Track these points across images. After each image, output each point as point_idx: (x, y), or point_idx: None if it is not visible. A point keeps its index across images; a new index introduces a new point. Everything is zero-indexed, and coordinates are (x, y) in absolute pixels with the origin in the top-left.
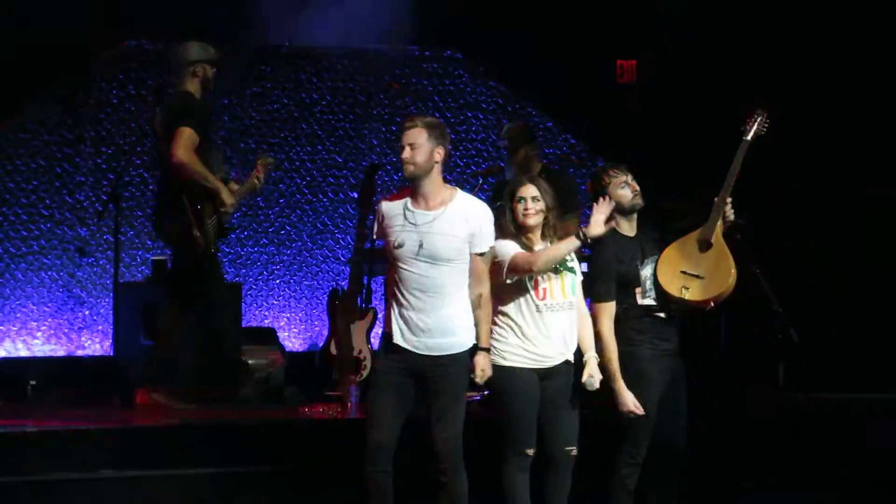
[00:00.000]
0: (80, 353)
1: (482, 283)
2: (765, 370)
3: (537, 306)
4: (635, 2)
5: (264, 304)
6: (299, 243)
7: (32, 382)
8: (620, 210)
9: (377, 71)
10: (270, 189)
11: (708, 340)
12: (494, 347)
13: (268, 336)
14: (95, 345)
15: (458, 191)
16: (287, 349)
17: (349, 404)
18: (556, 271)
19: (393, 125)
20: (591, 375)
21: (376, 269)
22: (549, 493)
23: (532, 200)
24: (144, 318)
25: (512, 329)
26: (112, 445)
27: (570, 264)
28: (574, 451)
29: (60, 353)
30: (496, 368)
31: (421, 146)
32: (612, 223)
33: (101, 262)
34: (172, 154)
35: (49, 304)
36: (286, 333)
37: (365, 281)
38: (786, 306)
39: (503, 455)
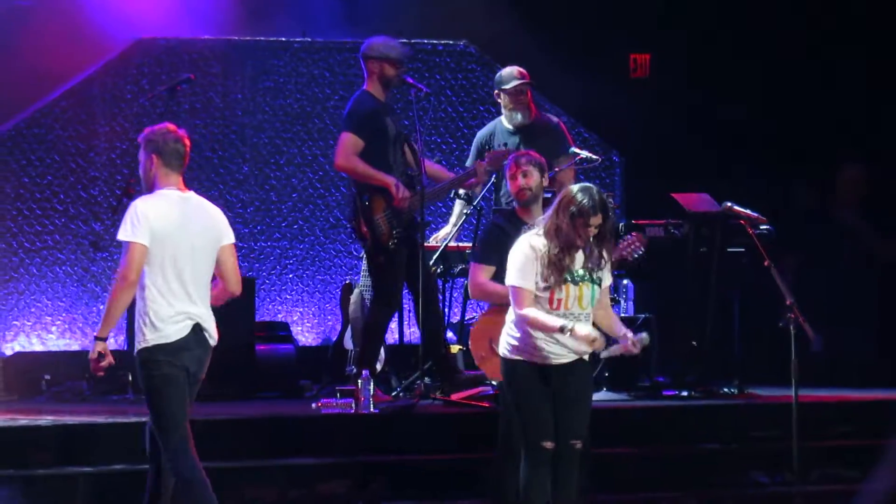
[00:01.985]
0: None
1: None
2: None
3: (548, 313)
4: None
5: (277, 298)
6: (312, 238)
7: (47, 377)
8: None
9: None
10: (283, 184)
11: (723, 332)
12: (506, 342)
13: (281, 329)
14: (110, 339)
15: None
16: (300, 343)
17: (361, 398)
18: (576, 282)
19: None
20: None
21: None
22: (555, 486)
23: (595, 229)
24: None
25: (522, 326)
26: (127, 439)
27: (596, 274)
28: (578, 444)
29: (75, 347)
30: (507, 362)
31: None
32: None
33: (115, 257)
34: (334, 160)
35: (63, 299)
36: (299, 327)
37: None
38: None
39: (523, 449)
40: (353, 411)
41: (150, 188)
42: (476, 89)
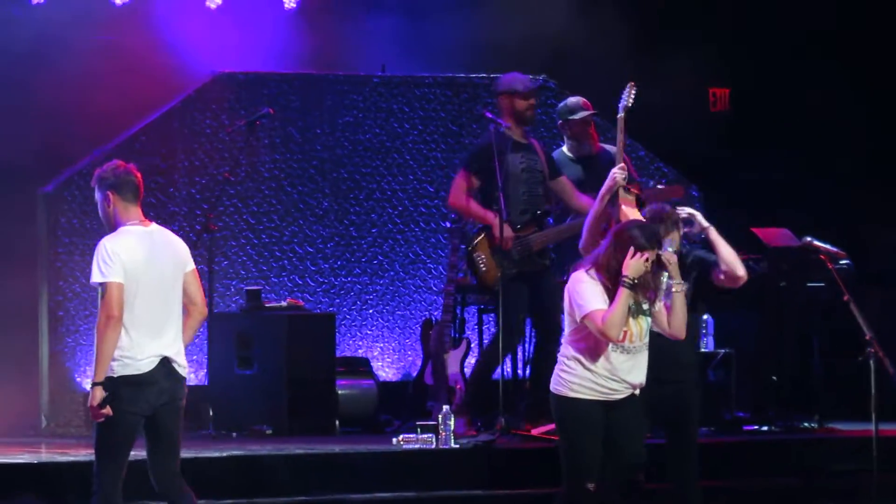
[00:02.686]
0: None
1: None
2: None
3: (613, 347)
4: (729, 30)
5: (358, 333)
6: (392, 273)
7: None
8: None
9: (470, 100)
10: (363, 219)
11: (803, 366)
12: (561, 378)
13: (362, 365)
14: (190, 374)
15: None
16: (380, 379)
17: (442, 433)
18: (634, 316)
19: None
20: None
21: (469, 299)
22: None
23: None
24: (238, 348)
25: (581, 362)
26: (206, 475)
27: (644, 307)
28: (637, 477)
29: None
30: (560, 400)
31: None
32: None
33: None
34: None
35: None
36: (380, 363)
37: (458, 311)
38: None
39: (564, 486)
40: (433, 446)
41: (113, 226)
42: (556, 123)
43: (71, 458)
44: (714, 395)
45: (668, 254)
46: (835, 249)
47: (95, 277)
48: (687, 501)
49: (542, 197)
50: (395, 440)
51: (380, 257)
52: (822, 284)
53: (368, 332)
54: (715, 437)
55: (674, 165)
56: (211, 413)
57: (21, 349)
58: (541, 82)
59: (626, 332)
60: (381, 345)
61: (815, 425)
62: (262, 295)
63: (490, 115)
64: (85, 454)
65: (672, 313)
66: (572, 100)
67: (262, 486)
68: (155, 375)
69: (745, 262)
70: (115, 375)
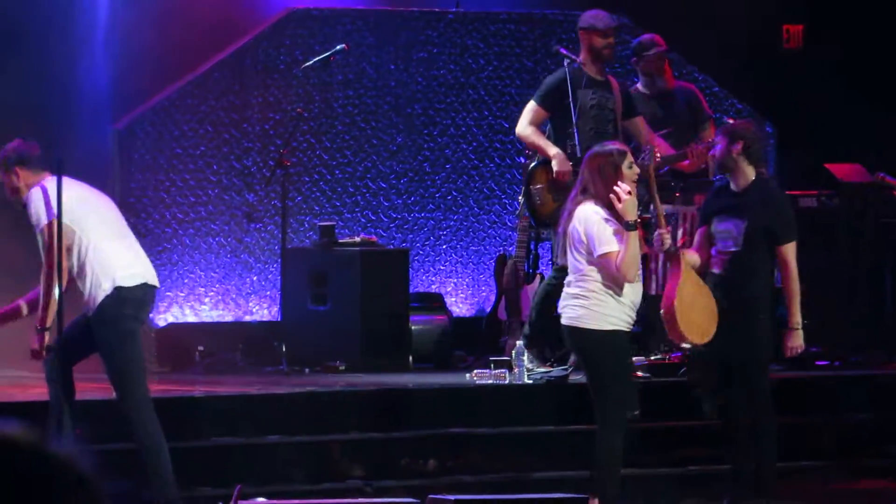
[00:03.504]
0: (247, 318)
1: None
2: None
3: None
4: None
5: (431, 269)
6: (466, 209)
7: (200, 348)
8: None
9: (545, 35)
10: (437, 155)
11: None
12: (593, 312)
13: (435, 300)
14: (263, 310)
15: None
16: (454, 314)
17: (515, 369)
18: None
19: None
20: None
21: (543, 234)
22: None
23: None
24: (312, 284)
25: (612, 295)
26: (279, 411)
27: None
28: (638, 413)
29: (228, 318)
30: (596, 333)
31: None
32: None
33: (268, 228)
34: None
35: (217, 270)
36: (453, 298)
37: (532, 247)
38: None
39: (603, 417)
40: (506, 382)
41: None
42: (630, 60)
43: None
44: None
45: (634, 169)
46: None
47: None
48: (760, 438)
49: (610, 135)
50: (468, 376)
51: (454, 192)
52: (895, 220)
53: (442, 268)
54: (786, 372)
55: (747, 102)
56: (284, 349)
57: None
58: (622, 21)
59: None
60: (455, 280)
61: (886, 361)
62: (336, 230)
63: (564, 52)
64: (158, 390)
65: (625, 254)
66: (646, 36)
67: (334, 421)
68: None
69: (818, 197)
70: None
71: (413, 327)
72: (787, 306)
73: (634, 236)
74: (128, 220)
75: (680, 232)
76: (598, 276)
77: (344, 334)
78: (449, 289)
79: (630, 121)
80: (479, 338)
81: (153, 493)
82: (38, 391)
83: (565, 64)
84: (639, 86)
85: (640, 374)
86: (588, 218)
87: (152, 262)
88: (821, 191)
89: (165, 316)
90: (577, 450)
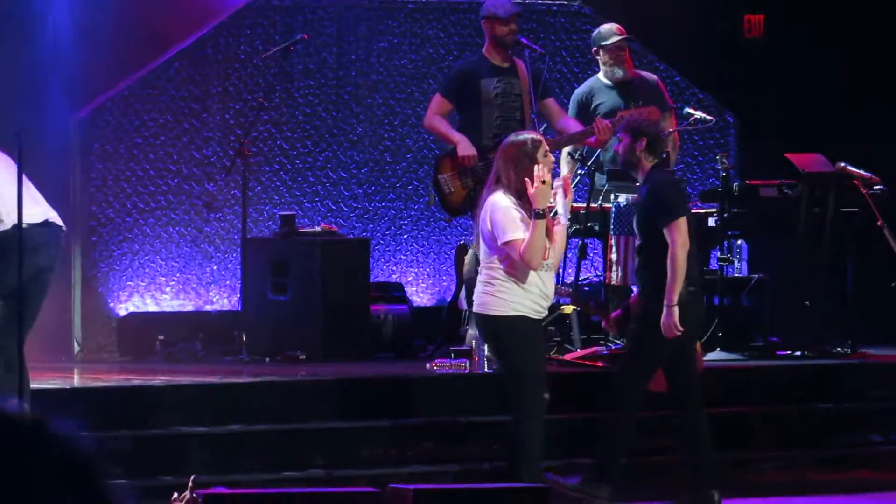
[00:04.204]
0: (208, 308)
1: None
2: (891, 324)
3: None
4: None
5: (392, 258)
6: (427, 198)
7: (161, 337)
8: None
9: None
10: (398, 145)
11: (836, 292)
12: (499, 299)
13: (396, 290)
14: (223, 300)
15: None
16: (414, 304)
17: (476, 359)
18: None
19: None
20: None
21: None
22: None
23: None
24: (272, 273)
25: (516, 283)
26: (239, 401)
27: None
28: (548, 396)
29: (189, 307)
30: (502, 319)
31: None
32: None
33: (228, 218)
34: None
35: (177, 260)
36: (414, 288)
37: None
38: None
39: (518, 403)
40: (467, 371)
41: None
42: (590, 50)
43: (103, 384)
44: (747, 321)
45: (550, 158)
46: (869, 175)
47: None
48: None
49: (519, 122)
50: (428, 365)
51: (415, 182)
52: (856, 210)
53: (402, 258)
54: (747, 362)
55: (709, 91)
56: (244, 338)
57: (54, 275)
58: (520, 8)
59: (547, 250)
60: (416, 270)
61: (848, 351)
62: (296, 220)
63: (525, 42)
64: (118, 379)
65: (554, 244)
66: (605, 26)
67: (295, 411)
68: None
69: (779, 186)
70: None
71: (374, 317)
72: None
73: (541, 224)
74: (88, 209)
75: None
76: (505, 265)
77: (304, 324)
78: (410, 278)
79: (542, 103)
80: (439, 327)
81: None
82: None
83: (527, 54)
84: (599, 75)
85: (600, 363)
86: (494, 205)
87: (113, 251)
88: (782, 181)
89: (126, 305)
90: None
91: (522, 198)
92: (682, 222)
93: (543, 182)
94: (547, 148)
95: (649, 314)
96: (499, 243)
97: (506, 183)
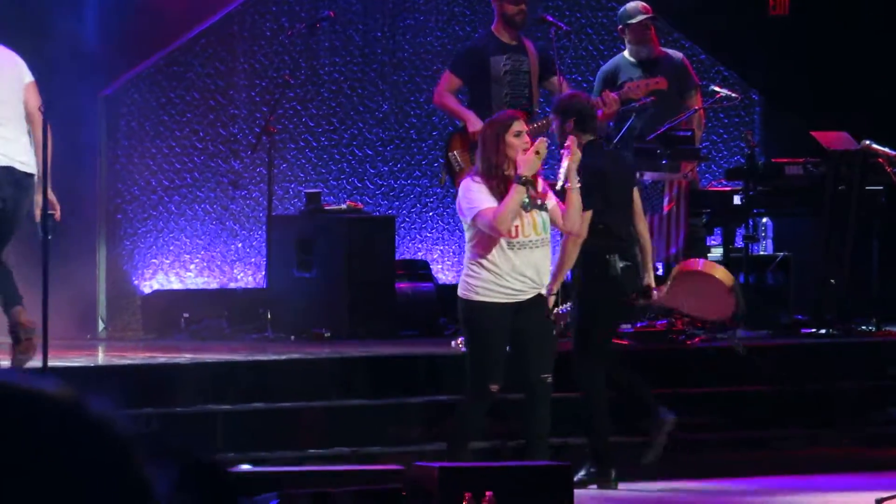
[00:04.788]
0: (232, 285)
1: None
2: None
3: (509, 244)
4: None
5: (417, 236)
6: (439, 177)
7: (186, 315)
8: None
9: (531, 2)
10: (423, 122)
11: (861, 270)
12: (467, 283)
13: (421, 268)
14: (248, 277)
15: None
16: (440, 282)
17: None
18: (527, 209)
19: (545, 58)
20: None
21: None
22: (532, 422)
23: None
24: (297, 251)
25: (483, 265)
26: (264, 378)
27: (540, 201)
28: (549, 378)
29: (213, 285)
30: (467, 304)
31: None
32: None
33: (254, 195)
34: None
35: (202, 237)
36: (439, 266)
37: None
38: None
39: (467, 387)
40: None
41: None
42: (616, 27)
43: (128, 362)
44: (772, 299)
45: (541, 141)
46: (894, 153)
47: None
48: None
49: (528, 99)
50: (453, 343)
51: (441, 160)
52: (881, 188)
53: (428, 235)
54: (772, 340)
55: (734, 69)
56: (269, 316)
57: (79, 252)
58: None
59: (517, 227)
60: (441, 248)
61: (872, 328)
62: (322, 198)
63: (550, 19)
64: (143, 357)
65: (567, 209)
66: (631, 4)
67: (320, 389)
68: None
69: (804, 164)
70: None
71: (399, 294)
72: None
73: (520, 190)
74: (113, 186)
75: (666, 199)
76: (471, 247)
77: (329, 302)
78: (435, 256)
79: (547, 81)
80: None
81: None
82: None
83: (552, 32)
84: (625, 53)
85: (625, 341)
86: (462, 188)
87: (137, 229)
88: (807, 159)
89: (151, 283)
90: (561, 417)
91: (493, 176)
92: (586, 216)
93: (537, 153)
94: (521, 129)
95: (581, 288)
96: (469, 218)
97: (479, 163)
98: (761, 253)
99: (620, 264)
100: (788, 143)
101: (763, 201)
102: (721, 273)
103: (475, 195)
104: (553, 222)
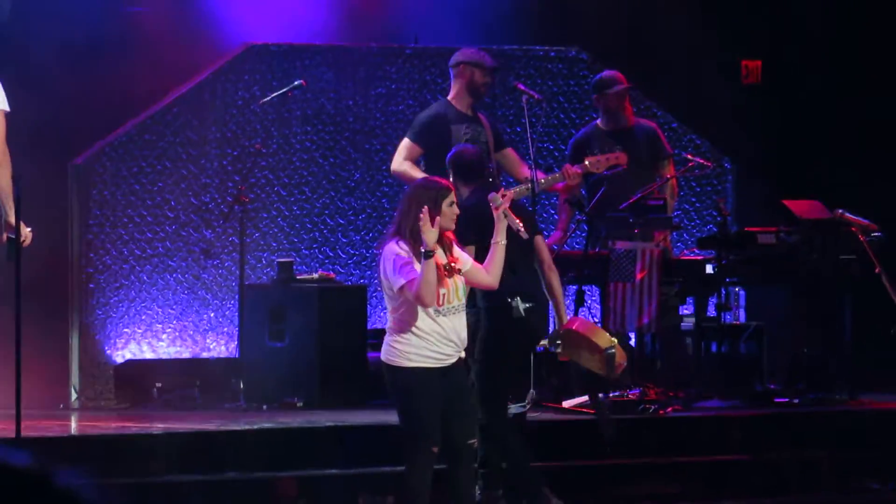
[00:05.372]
0: (205, 354)
1: None
2: (890, 371)
3: (435, 311)
4: (762, 1)
5: None
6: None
7: (158, 384)
8: None
9: (503, 70)
10: (396, 191)
11: (834, 339)
12: (396, 349)
13: None
14: (221, 346)
15: None
16: None
17: None
18: (449, 276)
19: (518, 126)
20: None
21: None
22: (459, 486)
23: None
24: (270, 320)
25: (412, 332)
26: (237, 448)
27: (458, 266)
28: (475, 443)
29: (186, 354)
30: (399, 371)
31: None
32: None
33: (226, 264)
34: None
35: (174, 306)
36: None
37: None
38: None
39: (407, 455)
40: None
41: None
42: (588, 96)
43: (101, 432)
44: (745, 368)
45: (454, 209)
46: (866, 221)
47: None
48: None
49: (490, 169)
50: None
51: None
52: (854, 257)
53: None
54: (745, 409)
55: (706, 137)
56: (242, 385)
57: (51, 322)
58: (498, 63)
59: (444, 295)
60: None
61: (846, 397)
62: (294, 267)
63: (523, 88)
64: (116, 427)
65: (489, 264)
66: (607, 73)
67: (292, 458)
68: None
69: (777, 233)
70: None
71: (370, 364)
72: None
73: (430, 263)
74: (85, 255)
75: (638, 267)
76: (398, 314)
77: (302, 371)
78: None
79: (500, 153)
80: None
81: None
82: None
83: (524, 100)
84: (598, 122)
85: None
86: (385, 256)
87: (110, 298)
88: (780, 227)
89: (123, 352)
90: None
91: (415, 240)
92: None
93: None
94: (454, 200)
95: (485, 333)
96: (394, 288)
97: (403, 225)
98: (734, 322)
99: (524, 305)
100: (761, 211)
101: (735, 270)
102: (599, 337)
103: (398, 264)
104: (472, 282)
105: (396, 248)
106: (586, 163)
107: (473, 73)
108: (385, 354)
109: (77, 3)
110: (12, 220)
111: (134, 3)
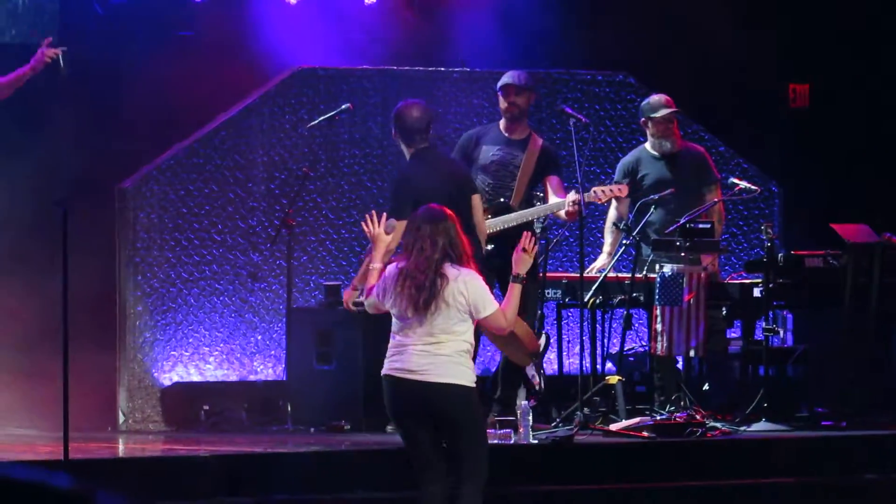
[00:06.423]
0: (252, 377)
1: None
2: None
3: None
4: (809, 26)
5: None
6: None
7: (206, 407)
8: None
9: (549, 94)
10: None
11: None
12: (470, 371)
13: None
14: (268, 369)
15: None
16: None
17: (521, 429)
18: None
19: (564, 150)
20: None
21: (548, 294)
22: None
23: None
24: (317, 343)
25: (471, 354)
26: (285, 471)
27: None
28: None
29: (233, 377)
30: (475, 392)
31: None
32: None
33: (273, 288)
34: None
35: (221, 330)
36: None
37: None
38: None
39: (481, 478)
40: (512, 441)
41: None
42: (635, 120)
43: (149, 454)
44: (792, 391)
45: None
46: None
47: None
48: None
49: (511, 191)
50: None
51: None
52: None
53: None
54: (793, 432)
55: (754, 161)
56: (289, 408)
57: (99, 345)
58: (517, 80)
59: None
60: None
61: (894, 421)
62: (341, 290)
63: (569, 111)
64: (163, 449)
65: (506, 301)
66: (654, 98)
67: (340, 481)
68: None
69: (824, 257)
70: None
71: None
72: None
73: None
74: (133, 279)
75: (685, 290)
76: (465, 336)
77: (349, 393)
78: None
79: (544, 179)
80: (484, 397)
81: None
82: (45, 449)
83: (571, 124)
84: (647, 146)
85: (645, 433)
86: (479, 280)
87: (157, 321)
88: (827, 251)
89: (170, 375)
90: None
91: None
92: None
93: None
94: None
95: None
96: (484, 313)
97: (462, 252)
98: (781, 345)
99: None
100: (808, 235)
101: (783, 293)
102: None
103: (488, 291)
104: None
105: (476, 273)
106: (592, 193)
107: (498, 98)
108: (463, 378)
109: (126, 27)
110: None
111: (183, 27)
